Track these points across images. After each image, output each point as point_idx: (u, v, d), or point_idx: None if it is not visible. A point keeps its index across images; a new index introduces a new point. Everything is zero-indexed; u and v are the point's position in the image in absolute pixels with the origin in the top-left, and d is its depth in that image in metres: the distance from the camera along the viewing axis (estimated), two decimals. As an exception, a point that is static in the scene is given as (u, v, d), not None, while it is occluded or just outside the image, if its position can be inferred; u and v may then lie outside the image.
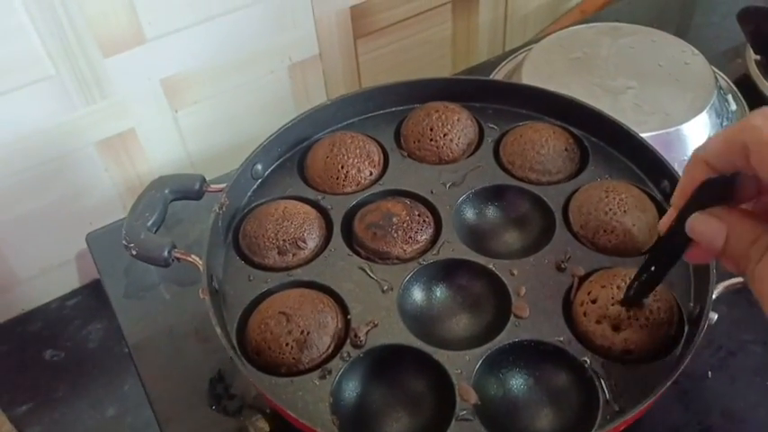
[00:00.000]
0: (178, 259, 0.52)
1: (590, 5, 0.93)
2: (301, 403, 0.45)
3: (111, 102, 0.71)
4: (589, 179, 0.56)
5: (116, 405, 0.74)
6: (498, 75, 0.79)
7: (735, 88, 0.76)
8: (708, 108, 0.69)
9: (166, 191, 0.55)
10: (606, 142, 0.58)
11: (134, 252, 0.52)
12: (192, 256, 0.51)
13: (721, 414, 0.52)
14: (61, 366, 0.78)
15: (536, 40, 0.81)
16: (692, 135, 0.68)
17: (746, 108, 0.74)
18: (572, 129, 0.60)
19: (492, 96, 0.62)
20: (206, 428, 0.55)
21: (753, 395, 0.53)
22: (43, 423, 0.73)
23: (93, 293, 0.83)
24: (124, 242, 0.52)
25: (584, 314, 0.47)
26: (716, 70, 0.76)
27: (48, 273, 0.80)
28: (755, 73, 0.76)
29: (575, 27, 0.80)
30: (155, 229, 0.53)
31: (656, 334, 0.46)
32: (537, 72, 0.74)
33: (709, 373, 0.54)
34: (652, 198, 0.54)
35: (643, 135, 0.65)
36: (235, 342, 0.49)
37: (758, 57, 0.77)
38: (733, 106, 0.74)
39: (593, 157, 0.58)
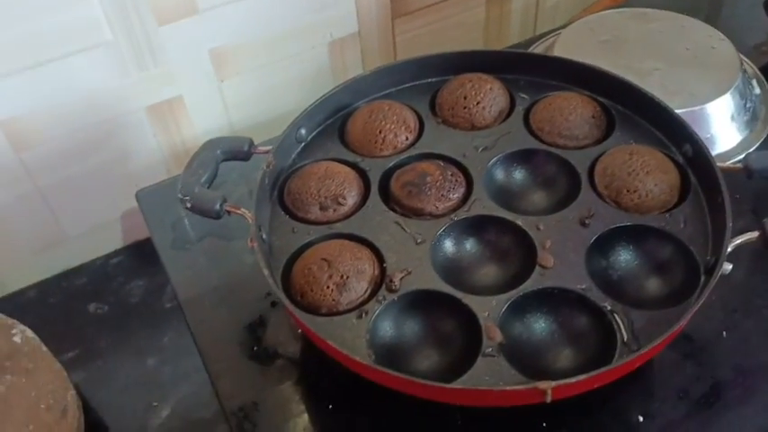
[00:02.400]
0: (228, 212, 0.56)
1: (620, -6, 0.95)
2: (340, 339, 0.49)
3: (163, 70, 0.75)
4: (614, 144, 0.60)
5: (156, 356, 0.79)
6: (529, 55, 0.82)
7: (760, 74, 0.78)
8: (732, 90, 0.71)
9: (218, 151, 0.59)
10: (631, 110, 0.62)
11: (188, 205, 0.55)
12: (242, 209, 0.55)
13: (733, 369, 0.55)
14: (104, 319, 0.82)
15: (565, 27, 0.84)
16: (715, 114, 0.71)
17: (770, 93, 0.76)
18: (599, 98, 0.63)
19: (524, 68, 0.65)
20: (249, 375, 0.58)
21: (764, 354, 0.56)
22: (88, 370, 0.78)
23: (135, 253, 0.88)
24: (180, 195, 0.56)
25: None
26: (742, 56, 0.78)
27: (94, 231, 0.85)
28: (780, 60, 0.79)
29: (604, 12, 0.83)
30: (207, 185, 0.57)
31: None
32: (566, 53, 0.77)
33: (724, 333, 0.57)
34: (674, 161, 0.57)
35: (668, 113, 0.68)
36: (280, 285, 0.53)
37: (783, 45, 0.79)
38: (757, 90, 0.76)
39: (619, 123, 0.61)
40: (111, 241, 0.87)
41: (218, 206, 0.56)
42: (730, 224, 0.49)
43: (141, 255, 0.87)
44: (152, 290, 0.84)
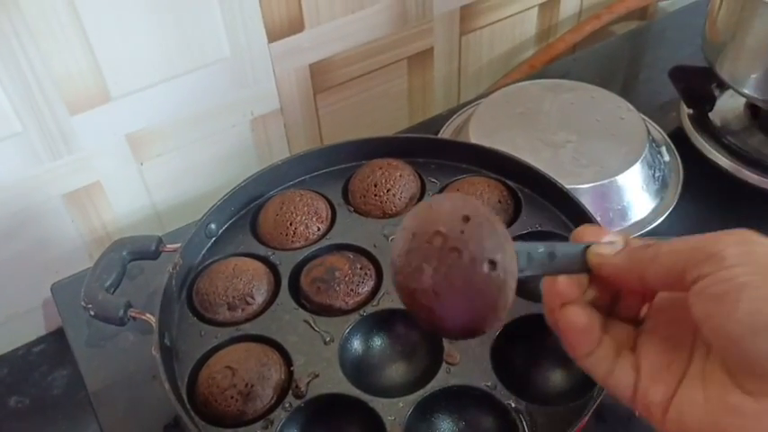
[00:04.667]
0: (134, 318, 0.55)
1: (538, 61, 0.98)
2: (244, 453, 0.48)
3: (78, 156, 0.74)
4: (520, 228, 0.60)
5: (78, 451, 0.76)
6: (448, 129, 0.83)
7: (669, 140, 0.81)
8: (640, 160, 0.73)
9: (124, 252, 0.58)
10: (537, 193, 0.63)
11: (92, 312, 0.55)
12: (147, 314, 0.55)
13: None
14: (25, 413, 0.79)
15: (488, 93, 0.86)
16: (626, 186, 0.73)
17: (679, 159, 0.78)
18: (507, 181, 0.64)
19: (433, 152, 0.66)
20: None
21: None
22: (6, 470, 0.75)
23: (58, 340, 0.85)
24: (83, 303, 0.55)
25: None
26: (651, 123, 0.81)
27: (14, 320, 0.82)
28: (688, 126, 0.81)
29: (520, 83, 0.85)
30: (112, 289, 0.57)
31: None
32: (483, 126, 0.78)
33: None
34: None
35: (580, 186, 0.70)
36: (185, 395, 0.52)
37: (690, 110, 0.82)
38: (666, 157, 0.78)
39: (526, 207, 0.62)
40: (32, 329, 0.85)
41: (121, 313, 0.55)
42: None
43: (65, 341, 0.84)
44: (75, 379, 0.82)
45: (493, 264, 0.31)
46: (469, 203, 0.33)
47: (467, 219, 0.32)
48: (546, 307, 0.35)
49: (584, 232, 0.36)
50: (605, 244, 0.35)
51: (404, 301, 0.35)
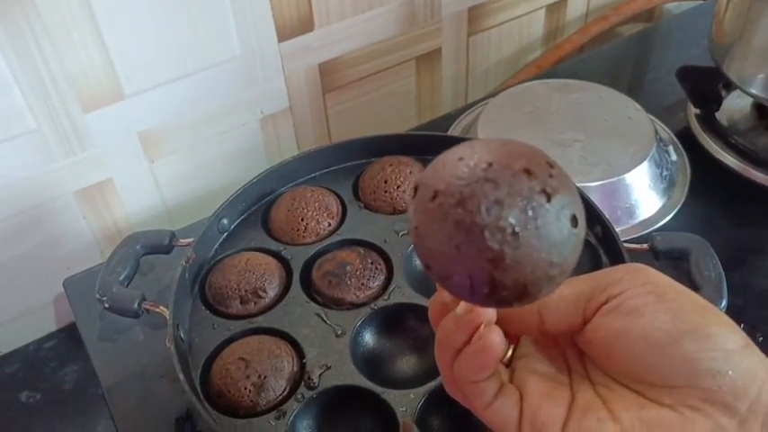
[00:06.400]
0: (147, 310, 0.56)
1: (545, 61, 0.99)
2: (257, 443, 0.49)
3: (91, 154, 0.75)
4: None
5: (89, 445, 0.77)
6: (457, 127, 0.84)
7: (676, 140, 0.81)
8: (648, 159, 0.74)
9: (138, 246, 0.59)
10: (548, 191, 0.63)
11: (107, 305, 0.56)
12: (161, 307, 0.55)
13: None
14: (36, 408, 0.80)
15: (495, 93, 0.87)
16: (633, 184, 0.73)
17: (686, 158, 0.79)
18: (517, 180, 0.64)
19: (442, 149, 0.66)
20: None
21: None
22: (18, 464, 0.76)
23: (69, 336, 0.86)
24: (97, 296, 0.56)
25: None
26: (659, 123, 0.82)
27: (26, 316, 0.83)
28: (695, 126, 0.82)
29: (528, 83, 0.85)
30: (126, 282, 0.58)
31: None
32: (492, 125, 0.79)
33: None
34: (587, 242, 0.59)
35: (588, 184, 0.71)
36: (198, 387, 0.53)
37: (698, 110, 0.83)
38: (674, 157, 0.79)
39: (536, 206, 0.63)
40: (44, 325, 0.85)
41: (135, 305, 0.56)
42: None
43: (76, 337, 0.85)
44: (86, 374, 0.82)
45: (575, 220, 0.28)
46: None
47: (551, 165, 0.29)
48: (465, 326, 0.32)
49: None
50: None
51: (448, 239, 0.27)
